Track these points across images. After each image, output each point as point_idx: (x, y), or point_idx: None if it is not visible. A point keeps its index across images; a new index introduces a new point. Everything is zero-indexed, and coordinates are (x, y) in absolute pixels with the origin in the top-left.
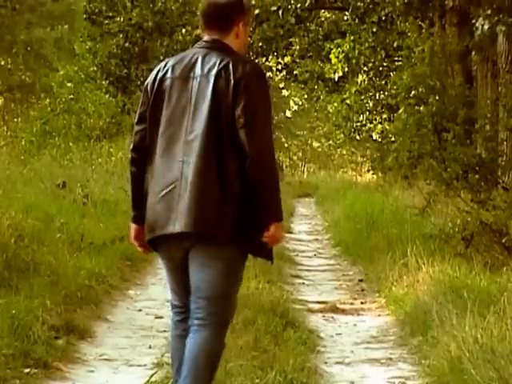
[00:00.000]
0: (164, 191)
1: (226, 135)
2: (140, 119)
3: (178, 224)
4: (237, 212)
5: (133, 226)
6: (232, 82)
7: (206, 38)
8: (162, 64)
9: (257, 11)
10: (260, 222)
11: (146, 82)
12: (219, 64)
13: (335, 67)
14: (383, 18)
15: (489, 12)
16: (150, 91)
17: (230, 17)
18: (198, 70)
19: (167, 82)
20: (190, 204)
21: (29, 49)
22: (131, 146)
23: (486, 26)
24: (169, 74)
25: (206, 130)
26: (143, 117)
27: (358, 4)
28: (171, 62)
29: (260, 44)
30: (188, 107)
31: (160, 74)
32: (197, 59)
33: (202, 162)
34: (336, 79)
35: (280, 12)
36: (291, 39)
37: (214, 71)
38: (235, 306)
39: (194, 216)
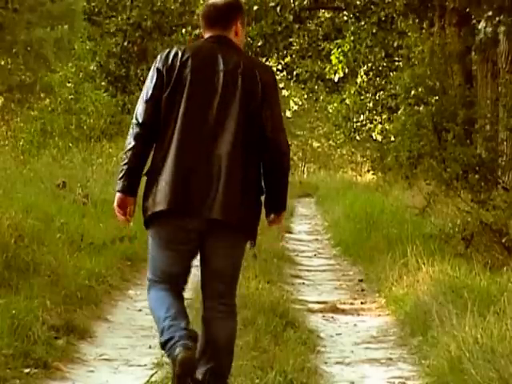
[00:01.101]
0: (190, 175)
1: (251, 131)
2: (152, 99)
3: (214, 211)
4: (257, 204)
5: (120, 195)
6: (260, 84)
7: (210, 34)
8: (177, 51)
9: (255, 8)
10: (258, 212)
11: (158, 65)
12: (243, 64)
13: (335, 67)
14: (383, 19)
15: (490, 13)
16: (166, 76)
17: (229, 15)
18: (220, 64)
19: (188, 71)
20: (225, 194)
21: (29, 49)
22: (138, 121)
23: (488, 28)
24: (189, 63)
25: (237, 125)
26: (157, 98)
27: (356, 2)
28: (188, 52)
29: (260, 44)
30: (214, 98)
31: (177, 62)
32: (216, 54)
33: (236, 155)
34: (336, 80)
35: (278, 9)
36: (291, 39)
37: (240, 70)
38: None
39: (229, 205)
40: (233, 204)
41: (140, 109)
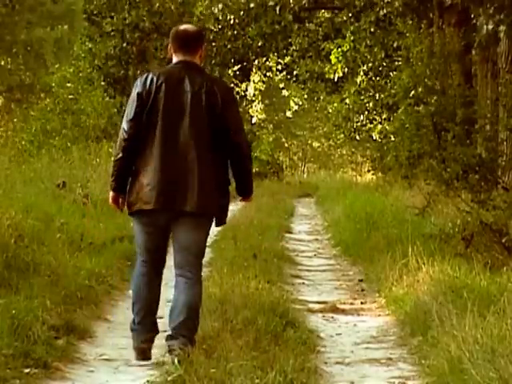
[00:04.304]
0: (170, 178)
1: (215, 137)
2: (135, 118)
3: (189, 204)
4: (221, 195)
5: (113, 194)
6: (220, 99)
7: (180, 58)
8: (153, 77)
9: (252, 5)
10: (227, 200)
11: (138, 89)
12: (206, 84)
13: (335, 67)
14: (382, 18)
15: (491, 11)
16: (145, 97)
17: (198, 42)
18: (187, 86)
19: (162, 93)
20: (197, 190)
21: (29, 49)
22: (125, 136)
23: (489, 26)
24: (163, 87)
25: (204, 133)
26: (138, 117)
27: (355, 3)
28: (162, 76)
29: (259, 44)
30: (185, 115)
31: (154, 85)
32: (184, 77)
33: (205, 157)
34: (335, 80)
35: (277, 8)
36: (290, 39)
37: (204, 90)
38: None
39: (201, 199)
40: (205, 199)
41: (126, 126)
